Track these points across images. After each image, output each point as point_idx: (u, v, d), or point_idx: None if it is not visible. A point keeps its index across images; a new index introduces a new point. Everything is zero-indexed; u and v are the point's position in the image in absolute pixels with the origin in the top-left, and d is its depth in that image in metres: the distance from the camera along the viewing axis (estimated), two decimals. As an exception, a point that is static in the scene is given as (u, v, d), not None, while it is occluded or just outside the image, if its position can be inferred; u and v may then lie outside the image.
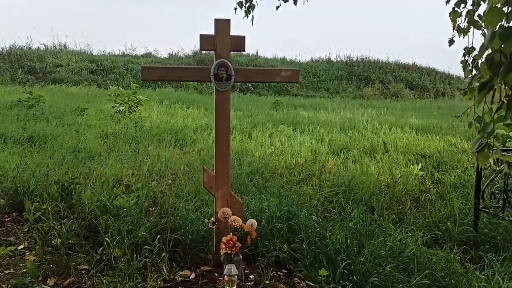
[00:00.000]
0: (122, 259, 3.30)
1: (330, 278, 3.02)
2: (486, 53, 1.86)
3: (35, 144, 6.87)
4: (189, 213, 3.99)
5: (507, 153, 4.49)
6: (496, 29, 1.71)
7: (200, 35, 3.22)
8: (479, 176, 4.22)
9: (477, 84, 1.92)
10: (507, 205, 4.13)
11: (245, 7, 4.81)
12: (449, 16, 2.34)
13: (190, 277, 3.25)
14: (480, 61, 1.89)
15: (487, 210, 4.21)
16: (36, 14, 39.91)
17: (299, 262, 3.34)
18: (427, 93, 22.92)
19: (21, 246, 3.71)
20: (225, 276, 2.91)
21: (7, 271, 3.32)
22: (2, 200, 4.64)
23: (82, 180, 5.00)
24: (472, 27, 2.69)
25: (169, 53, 23.57)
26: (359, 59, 25.16)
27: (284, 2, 4.92)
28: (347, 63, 24.76)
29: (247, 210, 4.02)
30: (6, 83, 16.77)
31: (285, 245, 3.56)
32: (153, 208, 4.48)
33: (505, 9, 1.74)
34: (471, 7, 2.65)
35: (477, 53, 2.51)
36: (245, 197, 4.54)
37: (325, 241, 3.41)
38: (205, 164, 5.60)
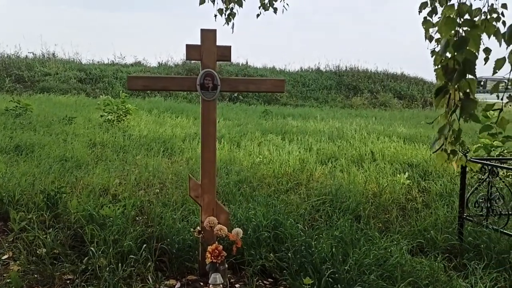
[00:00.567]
0: (107, 268, 3.27)
1: (315, 287, 3.03)
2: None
3: (21, 153, 6.82)
4: (175, 222, 3.98)
5: (500, 162, 4.57)
6: (449, 38, 1.80)
7: (186, 45, 3.25)
8: (463, 185, 4.28)
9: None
10: (491, 213, 4.20)
11: (225, 14, 4.86)
12: (422, 25, 2.42)
13: (176, 287, 3.25)
14: (435, 68, 2.00)
15: (471, 218, 4.26)
16: (25, 23, 39.75)
17: (284, 271, 3.34)
18: (415, 102, 23.18)
19: (5, 256, 3.67)
20: (210, 285, 2.91)
21: (-10, 282, 3.28)
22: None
23: (69, 190, 4.97)
24: None
25: (159, 62, 23.61)
26: (348, 68, 25.43)
27: (265, 11, 5.00)
28: (336, 73, 24.99)
29: (234, 219, 4.03)
30: (-6, 91, 16.64)
31: (271, 254, 3.57)
32: (140, 217, 4.46)
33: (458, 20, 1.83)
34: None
35: None
36: (232, 206, 4.55)
37: (310, 249, 3.43)
38: (193, 173, 5.60)
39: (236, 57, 24.55)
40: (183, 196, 4.90)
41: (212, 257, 3.00)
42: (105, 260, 3.40)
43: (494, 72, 1.82)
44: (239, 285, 3.31)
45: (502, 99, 1.93)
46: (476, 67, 1.82)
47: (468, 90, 1.91)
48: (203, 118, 3.33)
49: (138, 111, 11.82)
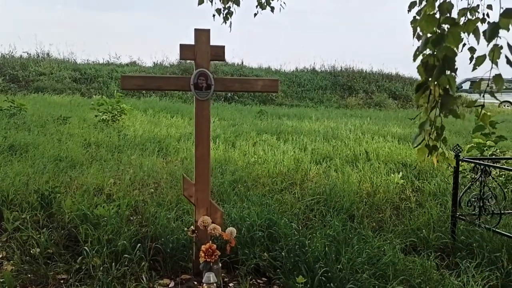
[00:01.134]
0: (101, 268, 3.28)
1: (308, 285, 3.05)
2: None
3: (15, 153, 6.79)
4: (170, 222, 3.99)
5: (493, 161, 4.61)
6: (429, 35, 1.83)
7: (180, 44, 3.26)
8: (456, 184, 4.32)
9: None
10: (483, 212, 4.23)
11: (223, 14, 4.89)
12: (411, 24, 2.45)
13: (170, 286, 3.25)
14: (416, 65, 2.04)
15: (464, 217, 4.30)
16: (20, 23, 39.58)
17: (278, 270, 3.36)
18: (410, 102, 23.24)
19: (-2, 256, 3.67)
20: (204, 284, 2.92)
21: (-17, 282, 3.28)
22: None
23: (63, 189, 4.96)
24: None
25: (154, 62, 23.51)
26: (343, 69, 25.43)
27: (262, 10, 5.02)
28: (331, 73, 25.01)
29: (228, 219, 4.04)
30: (-12, 91, 16.56)
31: (265, 253, 3.59)
32: (134, 217, 4.46)
33: (437, 16, 1.86)
34: None
35: None
36: (226, 206, 4.56)
37: (304, 248, 3.45)
38: (187, 173, 5.61)
39: (232, 57, 24.57)
40: (178, 196, 4.91)
41: (206, 256, 3.01)
42: (99, 259, 3.40)
43: (474, 69, 1.86)
44: (232, 284, 3.32)
45: (483, 96, 1.96)
46: (456, 64, 1.86)
47: (447, 86, 1.95)
48: (197, 118, 3.34)
49: (133, 111, 11.80)
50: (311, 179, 6.17)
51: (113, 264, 3.33)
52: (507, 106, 24.43)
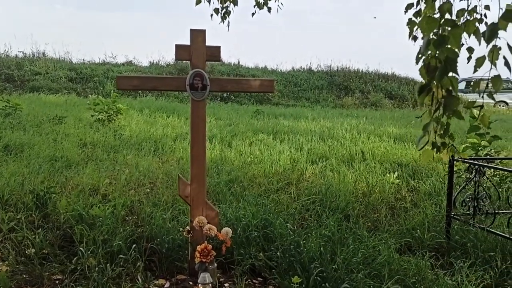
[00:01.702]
0: (97, 268, 3.28)
1: (303, 285, 3.06)
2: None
3: (11, 153, 6.77)
4: (165, 222, 3.99)
5: (487, 161, 4.63)
6: (431, 36, 1.84)
7: (176, 45, 3.26)
8: (451, 184, 4.34)
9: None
10: (478, 212, 4.25)
11: (221, 13, 4.90)
12: (407, 25, 2.47)
13: (165, 286, 3.26)
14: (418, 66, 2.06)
15: (458, 217, 4.32)
16: (17, 22, 39.40)
17: (273, 270, 3.37)
18: (406, 102, 23.29)
19: (-7, 257, 3.66)
20: (200, 285, 2.93)
21: (-22, 282, 3.27)
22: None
23: (58, 190, 4.95)
24: None
25: (150, 62, 23.43)
26: (339, 69, 25.47)
27: (260, 9, 5.04)
28: (327, 73, 25.03)
29: (224, 219, 4.04)
30: (-17, 91, 16.48)
31: (260, 253, 3.59)
32: (130, 217, 4.46)
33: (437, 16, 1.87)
34: None
35: None
36: (222, 206, 4.56)
37: (299, 249, 3.46)
38: (183, 173, 5.60)
39: (228, 57, 24.54)
40: (173, 196, 4.91)
41: (201, 257, 3.01)
42: (94, 260, 3.40)
43: (475, 70, 1.88)
44: (228, 284, 3.33)
45: (483, 97, 1.98)
46: (457, 65, 1.88)
47: (450, 88, 1.97)
48: (193, 118, 3.34)
49: (129, 111, 11.77)
50: (307, 179, 6.18)
51: (108, 264, 3.32)
52: (503, 106, 24.57)
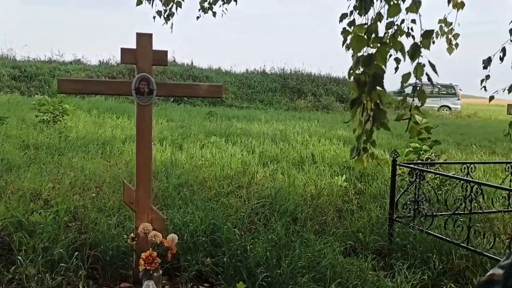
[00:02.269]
0: (36, 278, 3.15)
1: (249, 290, 3.08)
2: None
3: None
4: (110, 229, 3.89)
5: (428, 166, 4.84)
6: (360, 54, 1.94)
7: (121, 48, 3.19)
8: (393, 188, 4.51)
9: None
10: (417, 215, 4.44)
11: (164, 15, 4.86)
12: (341, 34, 2.57)
13: (108, 295, 3.17)
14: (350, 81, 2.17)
15: (400, 219, 4.49)
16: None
17: (220, 276, 3.37)
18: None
19: None
20: (143, 293, 2.87)
21: None
22: None
23: (-3, 195, 4.71)
24: None
25: (100, 61, 22.77)
26: (292, 72, 25.85)
27: (204, 13, 5.04)
28: (281, 76, 25.34)
29: (171, 224, 3.99)
30: None
31: (208, 259, 3.58)
32: (73, 224, 4.31)
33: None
34: None
35: None
36: (170, 211, 4.50)
37: (246, 253, 3.47)
38: (132, 176, 5.48)
39: (181, 57, 24.30)
40: (120, 201, 4.78)
41: (146, 264, 2.96)
42: (33, 269, 3.27)
43: (402, 86, 2.00)
44: (174, 291, 3.29)
45: (410, 110, 2.07)
46: (384, 80, 1.97)
47: (378, 101, 2.06)
48: (139, 122, 3.28)
49: (76, 111, 11.38)
50: (257, 182, 6.21)
51: (48, 273, 3.20)
52: (446, 110, 25.82)
